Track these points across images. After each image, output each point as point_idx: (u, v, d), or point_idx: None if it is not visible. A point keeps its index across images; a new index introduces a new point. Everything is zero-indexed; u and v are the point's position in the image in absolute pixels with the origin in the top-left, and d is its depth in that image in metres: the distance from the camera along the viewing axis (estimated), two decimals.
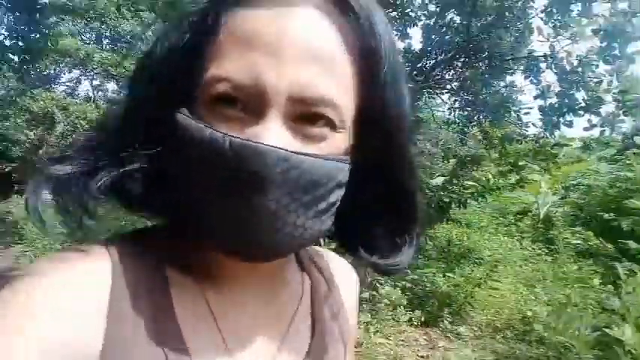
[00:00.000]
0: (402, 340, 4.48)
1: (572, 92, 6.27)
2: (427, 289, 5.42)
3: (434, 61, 7.74)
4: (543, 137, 6.99)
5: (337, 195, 0.47)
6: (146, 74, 0.49)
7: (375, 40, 0.45)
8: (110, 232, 0.54)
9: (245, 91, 0.42)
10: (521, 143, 7.39)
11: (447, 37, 7.68)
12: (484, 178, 8.07)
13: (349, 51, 0.45)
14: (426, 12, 7.55)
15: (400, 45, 7.84)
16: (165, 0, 6.43)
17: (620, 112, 5.60)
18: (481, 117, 7.99)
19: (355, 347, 2.99)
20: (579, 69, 5.90)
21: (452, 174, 6.37)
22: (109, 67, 15.88)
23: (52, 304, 0.41)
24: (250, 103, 0.43)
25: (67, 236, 0.50)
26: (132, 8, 6.65)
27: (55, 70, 17.87)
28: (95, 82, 19.21)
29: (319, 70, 0.43)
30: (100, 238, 0.50)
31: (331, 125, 0.45)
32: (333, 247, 0.69)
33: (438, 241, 7.58)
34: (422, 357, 4.12)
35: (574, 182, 9.96)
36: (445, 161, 8.10)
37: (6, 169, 16.46)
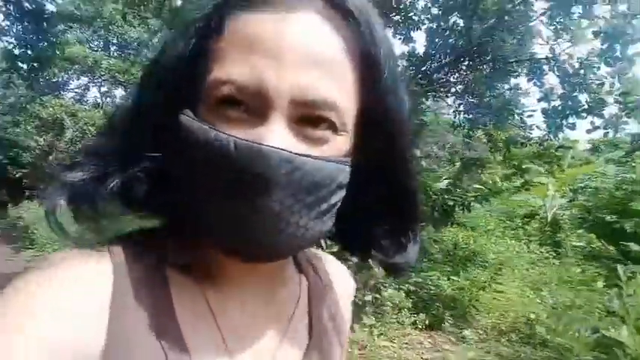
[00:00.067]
0: (407, 343, 4.50)
1: (574, 94, 6.26)
2: (432, 292, 5.43)
3: (438, 64, 7.73)
4: (547, 140, 6.97)
5: (338, 196, 0.48)
6: (153, 80, 0.50)
7: (375, 47, 0.46)
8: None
9: (248, 93, 0.43)
10: (526, 146, 7.39)
11: (450, 40, 7.66)
12: (490, 181, 8.06)
13: (350, 56, 0.46)
14: (429, 16, 7.53)
15: (404, 49, 7.85)
16: (171, 7, 6.52)
17: (623, 113, 5.58)
18: (486, 120, 7.97)
19: (359, 350, 3.03)
20: (581, 71, 5.89)
21: (455, 177, 6.37)
22: (117, 74, 16.07)
23: (52, 304, 0.42)
24: (254, 105, 0.43)
25: (82, 241, 0.49)
26: (138, 16, 6.74)
27: (63, 77, 18.13)
28: (103, 89, 19.47)
29: (321, 74, 0.44)
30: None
31: (333, 128, 0.45)
32: (335, 250, 0.70)
33: (444, 245, 7.58)
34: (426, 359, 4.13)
35: (582, 185, 9.91)
36: (451, 164, 8.11)
37: (17, 175, 16.66)
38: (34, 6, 5.63)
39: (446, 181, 6.54)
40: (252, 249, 0.46)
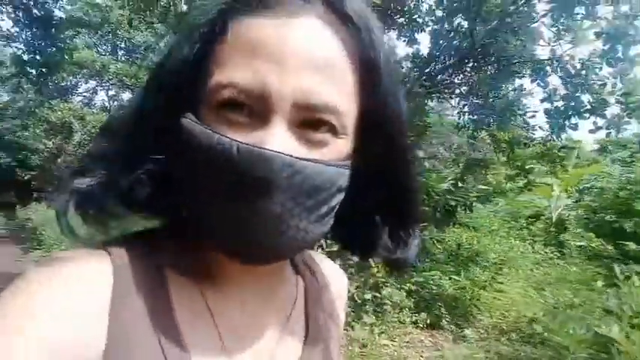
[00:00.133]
0: (407, 342, 4.54)
1: (577, 95, 6.28)
2: (434, 291, 5.47)
3: (442, 65, 7.75)
4: (550, 140, 6.99)
5: (337, 199, 0.48)
6: (158, 83, 0.50)
7: (375, 51, 0.47)
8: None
9: (251, 96, 0.43)
10: (529, 147, 7.41)
11: (454, 42, 7.67)
12: (495, 182, 8.08)
13: (350, 60, 0.46)
14: (433, 17, 7.55)
15: (408, 50, 7.87)
16: (176, 12, 6.62)
17: (625, 114, 5.60)
18: (491, 121, 7.98)
19: (359, 348, 3.09)
20: (583, 72, 5.91)
21: (458, 178, 6.41)
22: (124, 78, 16.28)
23: (52, 304, 0.42)
24: (256, 108, 0.44)
25: (92, 243, 0.51)
26: (144, 21, 6.85)
27: (72, 81, 18.37)
28: (111, 93, 19.69)
29: (322, 78, 0.44)
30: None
31: (333, 131, 0.46)
32: (335, 249, 0.75)
33: (448, 245, 7.61)
34: (425, 358, 4.17)
35: (588, 185, 9.87)
36: (456, 165, 8.12)
37: (25, 178, 16.92)
38: (42, 12, 5.77)
39: (448, 182, 6.57)
40: (253, 251, 0.46)
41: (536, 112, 7.02)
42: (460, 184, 6.12)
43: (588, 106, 6.08)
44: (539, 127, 7.24)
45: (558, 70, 6.57)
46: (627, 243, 4.66)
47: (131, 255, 0.49)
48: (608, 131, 6.05)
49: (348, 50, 0.46)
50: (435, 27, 7.66)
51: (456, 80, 8.32)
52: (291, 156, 0.42)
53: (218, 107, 0.44)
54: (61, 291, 0.43)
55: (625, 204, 7.15)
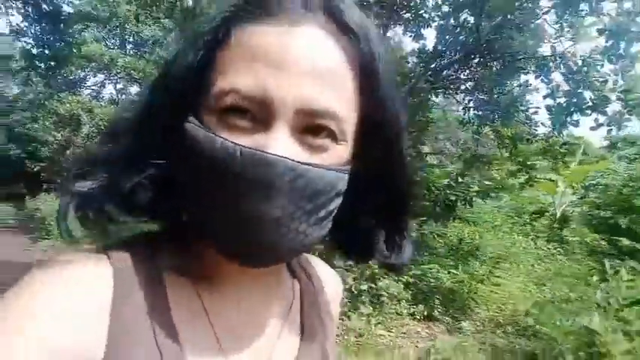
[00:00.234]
0: (404, 333, 4.64)
1: (580, 92, 6.29)
2: (432, 284, 5.55)
3: (448, 61, 7.75)
4: (552, 136, 7.02)
5: (336, 203, 0.49)
6: (162, 89, 0.51)
7: (374, 59, 0.48)
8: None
9: (253, 102, 0.44)
10: (531, 143, 7.43)
11: (460, 37, 7.66)
12: (499, 177, 8.10)
13: (350, 68, 0.47)
14: (439, 13, 7.55)
15: (414, 46, 7.86)
16: (182, 7, 6.70)
17: (625, 111, 5.61)
18: (495, 116, 7.99)
19: (355, 337, 3.19)
20: (584, 69, 5.93)
21: (460, 173, 6.46)
22: (132, 71, 16.43)
23: (53, 306, 0.42)
24: (258, 114, 0.45)
25: (89, 246, 0.52)
26: (150, 16, 6.95)
27: (80, 74, 18.56)
28: (119, 86, 19.89)
29: (323, 85, 0.45)
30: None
31: (333, 137, 0.47)
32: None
33: (449, 240, 7.68)
34: (419, 347, 4.27)
35: (593, 182, 9.87)
36: (461, 161, 8.14)
37: (35, 169, 17.16)
38: (51, 8, 5.88)
39: (450, 177, 6.63)
40: (253, 253, 0.47)
41: (538, 108, 7.05)
42: (460, 180, 6.17)
43: (590, 103, 6.10)
44: (542, 123, 7.28)
45: (561, 66, 6.58)
46: (620, 238, 4.70)
47: (130, 258, 0.50)
48: (609, 128, 6.06)
49: (349, 59, 0.47)
50: (441, 22, 7.64)
51: (461, 76, 8.31)
52: (293, 160, 0.43)
53: (221, 112, 0.45)
54: (61, 292, 0.44)
55: (627, 201, 7.17)
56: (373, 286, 4.63)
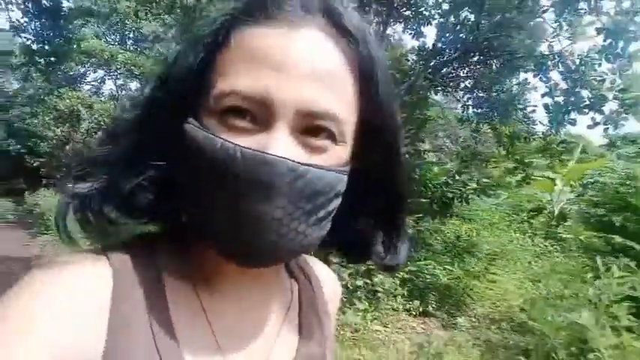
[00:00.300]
0: (399, 328, 4.69)
1: (577, 90, 6.31)
2: (427, 280, 5.60)
3: (448, 58, 7.75)
4: (550, 135, 7.05)
5: (335, 204, 0.50)
6: (162, 91, 0.51)
7: (372, 61, 0.49)
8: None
9: (254, 103, 0.44)
10: (529, 141, 7.47)
11: (460, 35, 7.66)
12: (497, 175, 8.14)
13: (350, 71, 0.48)
14: (439, 10, 7.56)
15: (414, 43, 7.88)
16: (182, 4, 6.71)
17: (622, 110, 5.64)
18: (494, 114, 8.01)
19: (351, 332, 3.24)
20: (581, 68, 5.95)
21: (455, 171, 6.50)
22: (132, 67, 16.43)
23: (53, 306, 0.43)
24: (258, 114, 0.45)
25: (88, 247, 0.52)
26: (150, 12, 6.96)
27: (80, 70, 18.55)
28: (119, 82, 19.87)
29: (322, 87, 0.45)
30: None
31: (332, 138, 0.47)
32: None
33: (447, 237, 7.72)
34: (413, 342, 4.31)
35: (592, 180, 9.90)
36: (458, 159, 8.17)
37: (34, 164, 17.17)
38: (51, 3, 5.89)
39: (444, 174, 6.66)
40: (253, 254, 0.47)
41: (535, 106, 7.08)
42: (457, 177, 6.20)
43: (587, 102, 6.12)
44: (540, 121, 7.31)
45: (559, 65, 6.60)
46: (613, 236, 4.75)
47: (129, 259, 0.50)
48: (605, 127, 6.08)
49: (348, 62, 0.48)
50: (441, 20, 7.65)
51: (461, 74, 8.33)
52: (294, 161, 0.43)
53: (221, 114, 0.46)
54: (61, 292, 0.44)
55: (623, 199, 7.21)
56: (369, 281, 4.68)
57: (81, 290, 0.45)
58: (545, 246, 7.77)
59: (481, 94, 8.31)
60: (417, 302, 5.01)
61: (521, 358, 3.49)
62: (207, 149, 0.44)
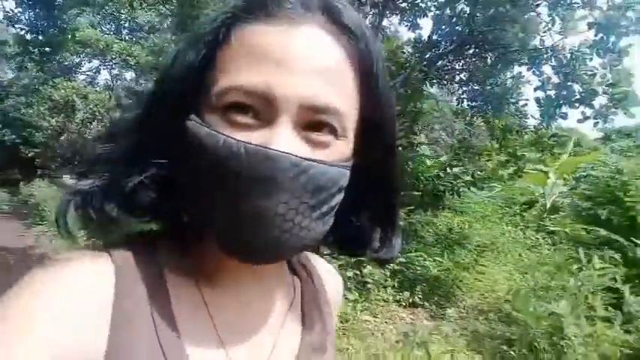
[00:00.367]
0: (389, 319, 4.78)
1: (569, 84, 6.37)
2: (417, 272, 5.68)
3: (443, 51, 7.77)
4: (541, 128, 7.11)
5: (337, 199, 0.50)
6: (163, 89, 0.51)
7: (371, 58, 0.50)
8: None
9: (256, 98, 0.45)
10: (521, 134, 7.53)
11: (456, 27, 7.66)
12: (490, 168, 8.21)
13: (350, 67, 0.49)
14: (435, 3, 7.57)
15: (410, 35, 7.88)
16: None
17: (611, 104, 5.70)
18: (488, 108, 8.04)
19: (341, 323, 3.32)
20: (573, 62, 6.00)
21: (447, 164, 6.56)
22: (128, 57, 16.32)
23: (53, 306, 0.42)
24: (261, 110, 0.45)
25: (89, 244, 0.53)
26: (145, 3, 6.96)
27: (75, 60, 18.43)
28: (114, 72, 19.74)
29: (324, 82, 0.46)
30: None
31: (334, 133, 0.48)
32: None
33: (439, 229, 7.79)
34: (400, 331, 4.40)
35: (584, 173, 9.99)
36: (452, 152, 8.23)
37: (29, 155, 17.15)
38: None
39: (438, 167, 6.72)
40: (256, 250, 0.47)
41: (527, 100, 7.13)
42: (449, 170, 6.27)
43: (578, 96, 6.18)
44: (531, 115, 7.37)
45: (552, 59, 6.65)
46: (598, 229, 4.85)
47: (132, 255, 0.50)
48: (595, 121, 6.14)
49: (348, 57, 0.48)
50: (437, 12, 7.65)
51: (456, 66, 8.36)
52: (297, 156, 0.44)
53: (223, 110, 0.46)
54: (62, 292, 0.44)
55: (611, 192, 7.29)
56: (359, 273, 4.75)
57: (81, 289, 0.45)
58: (537, 238, 7.85)
59: (476, 87, 8.34)
60: (406, 293, 5.10)
61: (504, 347, 3.59)
62: (209, 145, 0.45)
